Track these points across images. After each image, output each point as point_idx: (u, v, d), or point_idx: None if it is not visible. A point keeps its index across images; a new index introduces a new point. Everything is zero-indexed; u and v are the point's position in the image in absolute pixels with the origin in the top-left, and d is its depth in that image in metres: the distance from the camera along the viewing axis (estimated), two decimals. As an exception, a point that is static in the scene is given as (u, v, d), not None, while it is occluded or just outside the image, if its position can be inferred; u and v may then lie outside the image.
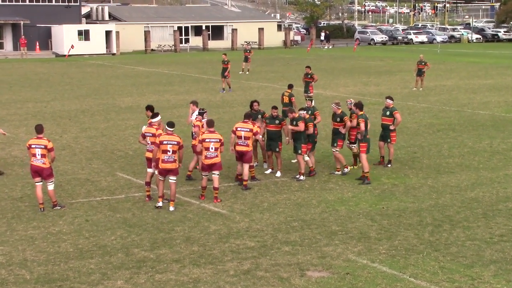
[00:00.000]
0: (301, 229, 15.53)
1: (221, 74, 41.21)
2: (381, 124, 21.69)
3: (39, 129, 17.10)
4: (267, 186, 19.25)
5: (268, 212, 16.87)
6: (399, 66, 57.79)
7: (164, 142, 16.84)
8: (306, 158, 19.99)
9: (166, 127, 17.16)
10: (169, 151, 16.79)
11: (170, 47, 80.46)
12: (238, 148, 18.92)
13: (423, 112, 32.58)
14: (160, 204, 17.19)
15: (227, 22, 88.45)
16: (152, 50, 79.26)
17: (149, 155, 17.54)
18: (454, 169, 21.30)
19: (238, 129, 18.95)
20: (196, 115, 19.82)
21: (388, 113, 21.39)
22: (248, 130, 18.86)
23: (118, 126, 28.88)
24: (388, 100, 21.55)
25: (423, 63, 41.30)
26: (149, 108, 20.91)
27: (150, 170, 17.60)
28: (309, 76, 32.86)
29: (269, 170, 20.69)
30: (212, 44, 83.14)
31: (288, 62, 61.98)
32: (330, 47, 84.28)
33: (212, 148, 17.30)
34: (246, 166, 18.94)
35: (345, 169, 20.38)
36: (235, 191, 18.72)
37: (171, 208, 16.97)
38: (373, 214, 16.68)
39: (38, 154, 16.71)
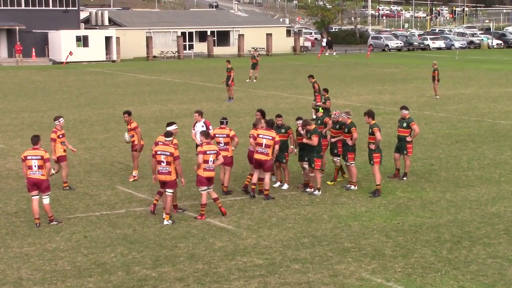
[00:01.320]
0: (312, 246, 15.52)
1: (226, 82, 41.29)
2: (397, 135, 21.68)
3: (35, 140, 17.17)
4: (276, 200, 19.25)
5: (277, 227, 16.86)
6: (415, 73, 57.77)
7: (158, 153, 17.23)
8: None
9: (164, 137, 17.44)
10: (163, 161, 17.09)
11: (173, 53, 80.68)
12: (258, 156, 19.13)
13: (440, 122, 32.55)
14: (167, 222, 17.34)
15: (233, 27, 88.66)
16: (154, 57, 79.48)
17: None
18: (474, 182, 21.25)
19: (260, 136, 19.17)
20: (221, 125, 19.86)
21: (405, 124, 21.38)
22: (271, 138, 19.07)
23: (118, 137, 28.91)
24: (404, 111, 21.54)
25: (435, 70, 41.55)
26: (127, 112, 21.42)
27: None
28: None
29: (278, 183, 20.69)
30: (218, 50, 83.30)
31: (297, 70, 62.04)
32: (334, 53, 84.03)
33: (211, 161, 17.42)
34: (267, 175, 19.23)
35: (352, 186, 20.33)
36: (241, 206, 18.73)
37: (165, 222, 17.10)
38: (388, 230, 16.65)
39: (35, 166, 16.78)
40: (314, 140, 19.35)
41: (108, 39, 74.74)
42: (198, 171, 17.47)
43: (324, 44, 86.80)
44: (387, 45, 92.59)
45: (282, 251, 15.16)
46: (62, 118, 20.99)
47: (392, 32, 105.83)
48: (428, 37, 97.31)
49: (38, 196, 16.96)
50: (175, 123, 18.92)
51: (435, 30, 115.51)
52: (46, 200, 16.99)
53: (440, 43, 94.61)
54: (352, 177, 20.38)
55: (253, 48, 76.98)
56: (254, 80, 51.54)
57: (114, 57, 74.66)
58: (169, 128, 18.43)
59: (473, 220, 17.35)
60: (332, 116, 20.87)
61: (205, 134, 18.00)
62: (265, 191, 19.34)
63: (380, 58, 77.43)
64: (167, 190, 17.18)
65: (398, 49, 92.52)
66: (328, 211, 18.23)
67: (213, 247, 15.44)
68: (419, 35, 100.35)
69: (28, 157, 16.89)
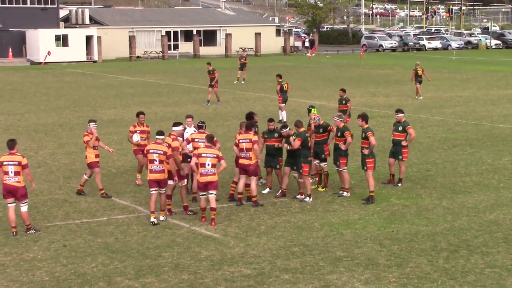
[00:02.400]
0: (302, 255, 15.53)
1: (209, 84, 40.46)
2: (392, 139, 21.74)
3: (11, 145, 17.11)
4: (265, 207, 19.25)
5: (266, 236, 16.87)
6: (410, 75, 57.70)
7: (150, 151, 17.63)
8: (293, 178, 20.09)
9: (156, 135, 17.81)
10: (156, 160, 17.45)
11: (158, 53, 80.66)
12: (242, 161, 19.25)
13: (437, 125, 32.66)
14: (153, 219, 17.56)
15: (220, 27, 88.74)
16: (138, 57, 79.44)
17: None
18: (472, 188, 21.33)
19: (240, 141, 19.29)
20: (200, 130, 19.67)
21: (400, 128, 21.43)
22: (248, 140, 19.10)
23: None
24: (399, 114, 21.60)
25: (414, 70, 42.40)
26: (143, 112, 21.83)
27: (170, 182, 18.01)
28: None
29: (267, 190, 20.70)
30: (204, 50, 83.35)
31: (287, 71, 62.04)
32: (313, 54, 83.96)
33: (208, 165, 17.43)
34: (253, 181, 19.29)
35: (344, 192, 20.35)
36: (228, 213, 18.73)
37: (161, 218, 17.70)
38: (381, 238, 16.68)
39: (11, 172, 16.71)
40: (296, 143, 19.37)
41: (89, 39, 74.64)
42: (196, 176, 17.63)
43: (306, 44, 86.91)
44: (381, 45, 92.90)
45: (271, 261, 15.17)
46: (93, 123, 20.44)
47: (386, 32, 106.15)
48: (424, 37, 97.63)
49: (14, 204, 16.88)
50: (182, 124, 19.11)
51: (431, 29, 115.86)
52: (24, 208, 16.92)
53: (437, 43, 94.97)
54: (344, 183, 20.40)
55: (241, 48, 77.02)
56: (242, 82, 51.60)
57: (96, 58, 74.57)
58: (174, 128, 18.71)
59: (471, 228, 17.41)
60: (312, 120, 20.82)
61: (209, 138, 18.03)
62: (253, 198, 19.34)
63: (374, 59, 77.63)
64: (161, 189, 17.66)
65: (393, 50, 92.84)
66: (320, 218, 18.25)
67: (199, 257, 15.43)
68: (414, 35, 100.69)
69: (5, 163, 16.82)
